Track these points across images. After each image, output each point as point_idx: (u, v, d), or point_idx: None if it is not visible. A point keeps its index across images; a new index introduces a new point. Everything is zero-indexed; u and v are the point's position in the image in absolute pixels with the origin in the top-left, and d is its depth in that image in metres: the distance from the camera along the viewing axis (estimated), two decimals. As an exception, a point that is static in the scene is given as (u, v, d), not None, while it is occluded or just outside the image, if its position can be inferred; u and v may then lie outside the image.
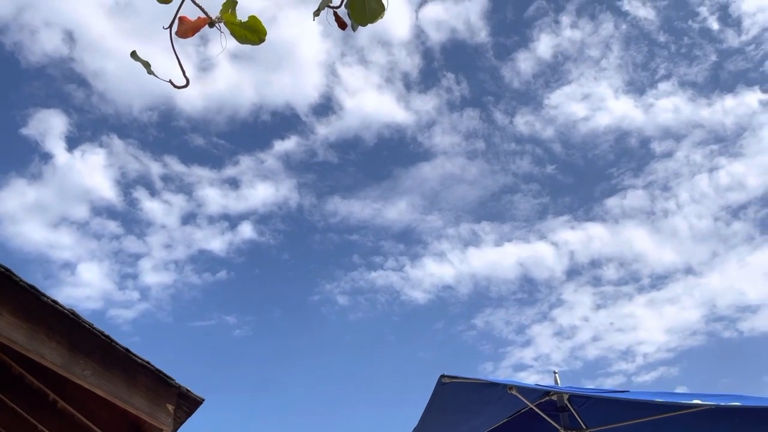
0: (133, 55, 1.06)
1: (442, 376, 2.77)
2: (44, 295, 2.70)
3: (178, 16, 1.00)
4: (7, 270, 2.52)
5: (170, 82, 1.07)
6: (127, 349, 3.20)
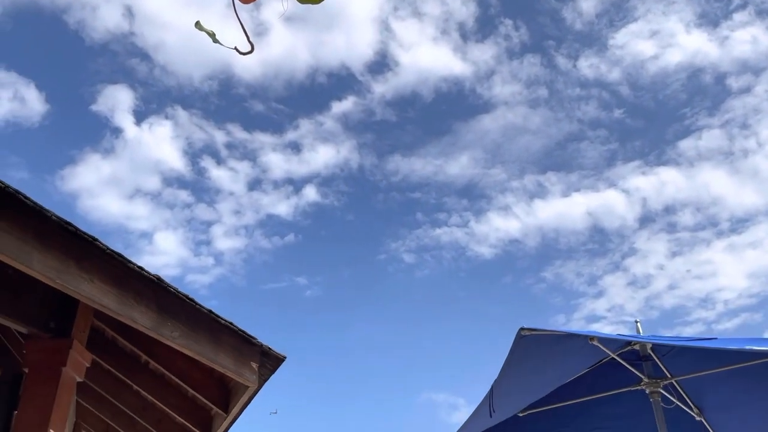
0: (197, 25, 1.05)
1: (522, 328, 2.73)
2: (130, 261, 2.81)
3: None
4: (94, 238, 2.63)
5: (235, 49, 1.06)
6: (210, 311, 3.31)
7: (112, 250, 2.73)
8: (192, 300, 3.20)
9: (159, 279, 2.99)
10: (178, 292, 3.11)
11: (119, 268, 2.80)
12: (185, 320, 3.22)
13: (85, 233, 2.61)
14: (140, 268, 2.85)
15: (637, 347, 3.88)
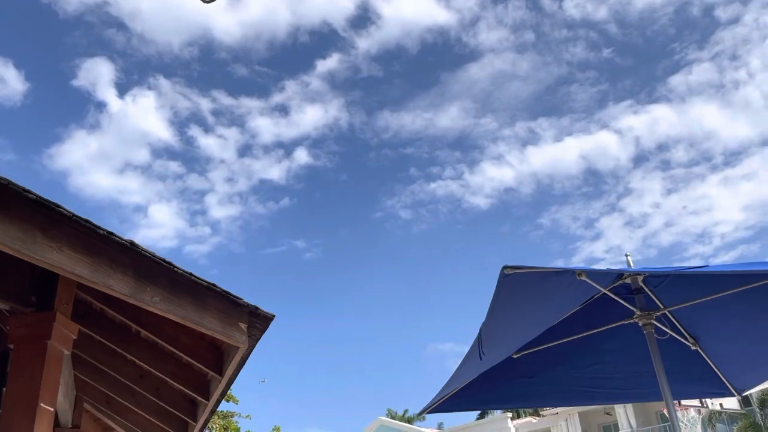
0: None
1: (504, 267, 2.67)
2: (100, 227, 2.73)
3: None
4: (57, 205, 2.54)
5: (198, -5, 0.99)
6: (191, 274, 3.24)
7: (79, 217, 2.64)
8: (170, 264, 3.13)
9: (133, 244, 2.92)
10: (155, 256, 3.04)
11: (88, 235, 2.72)
12: (166, 285, 3.16)
13: (47, 200, 2.52)
14: (110, 233, 2.77)
15: (628, 281, 3.84)
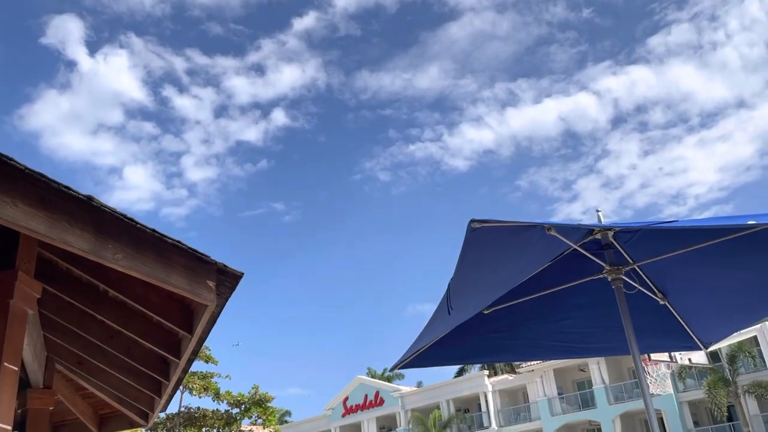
0: None
1: (472, 221, 2.63)
2: (55, 181, 2.64)
3: None
4: (9, 158, 2.44)
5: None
6: (154, 230, 3.17)
7: (32, 170, 2.55)
8: (132, 220, 3.05)
9: (91, 198, 2.83)
10: (115, 211, 2.96)
11: (44, 189, 2.63)
12: (128, 241, 3.08)
13: (-3, 153, 2.42)
14: (67, 187, 2.68)
15: (598, 236, 3.84)
